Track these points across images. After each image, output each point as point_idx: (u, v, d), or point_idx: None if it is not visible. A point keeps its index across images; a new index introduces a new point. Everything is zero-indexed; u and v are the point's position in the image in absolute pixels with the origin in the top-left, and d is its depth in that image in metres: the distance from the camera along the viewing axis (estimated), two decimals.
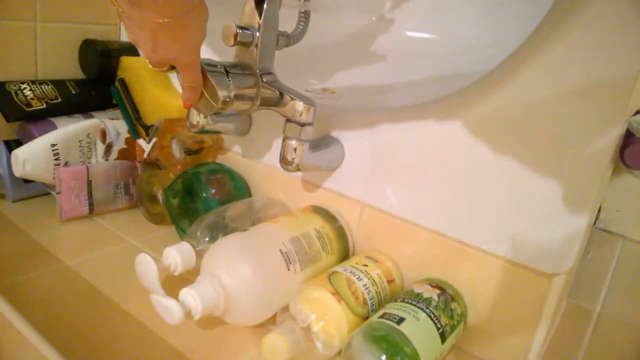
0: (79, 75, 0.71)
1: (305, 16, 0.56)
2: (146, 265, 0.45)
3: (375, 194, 0.53)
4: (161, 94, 0.66)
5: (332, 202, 0.56)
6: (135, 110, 0.67)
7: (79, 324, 0.45)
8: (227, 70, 0.46)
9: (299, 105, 0.47)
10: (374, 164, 0.52)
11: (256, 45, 0.48)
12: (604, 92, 0.38)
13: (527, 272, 0.44)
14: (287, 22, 0.53)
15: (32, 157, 0.58)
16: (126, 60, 0.68)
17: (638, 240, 0.84)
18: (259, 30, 0.48)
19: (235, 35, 0.47)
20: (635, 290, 0.71)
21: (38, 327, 0.42)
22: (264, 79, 0.48)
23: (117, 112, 0.70)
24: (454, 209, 0.47)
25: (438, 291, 0.46)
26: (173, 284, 0.44)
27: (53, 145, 0.60)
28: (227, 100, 0.46)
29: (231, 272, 0.43)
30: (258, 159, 0.62)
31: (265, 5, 0.47)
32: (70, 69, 0.70)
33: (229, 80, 0.46)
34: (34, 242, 0.57)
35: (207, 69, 0.45)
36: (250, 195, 0.63)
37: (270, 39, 0.49)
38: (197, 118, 0.53)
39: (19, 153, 0.58)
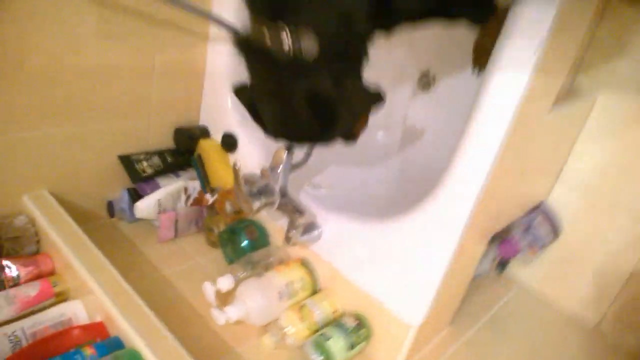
0: (172, 144, 1.13)
1: (308, 152, 0.95)
2: (208, 289, 0.88)
3: (336, 259, 0.94)
4: (221, 168, 1.07)
5: (312, 257, 0.97)
6: (205, 176, 1.09)
7: (168, 309, 0.89)
8: (259, 191, 0.87)
9: (296, 215, 0.88)
10: (333, 244, 0.93)
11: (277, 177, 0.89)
12: None
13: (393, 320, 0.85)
14: None
15: (145, 207, 1.02)
16: (202, 142, 1.10)
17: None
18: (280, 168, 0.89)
19: (267, 175, 0.87)
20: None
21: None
22: (281, 198, 0.89)
23: (194, 174, 1.12)
24: (369, 273, 0.89)
25: (356, 321, 0.88)
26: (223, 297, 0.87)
27: (159, 200, 1.03)
28: (258, 209, 0.87)
29: (252, 301, 0.86)
30: (275, 222, 1.04)
31: (284, 155, 0.87)
32: (169, 140, 1.12)
33: (261, 198, 0.87)
34: (142, 253, 1.01)
35: (247, 192, 0.86)
36: (269, 240, 1.05)
37: (286, 172, 0.89)
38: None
39: (139, 205, 1.01)
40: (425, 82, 1.20)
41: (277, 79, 0.66)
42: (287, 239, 0.90)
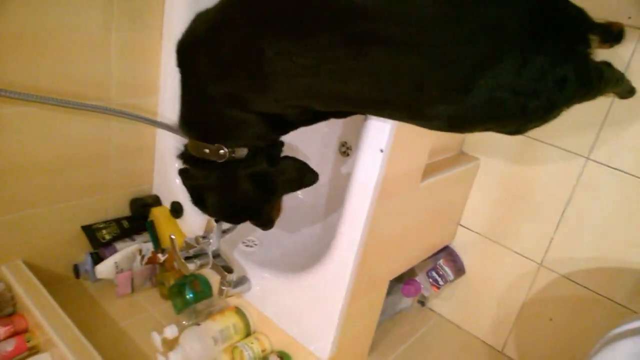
0: (128, 212, 1.33)
1: None
2: (155, 338, 1.07)
3: (264, 306, 1.13)
4: (170, 231, 1.27)
5: (245, 305, 1.16)
6: (157, 238, 1.29)
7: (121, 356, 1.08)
8: (194, 256, 1.07)
9: (226, 274, 1.07)
10: (261, 294, 1.13)
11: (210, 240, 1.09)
12: None
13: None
14: None
15: (104, 269, 1.21)
16: (154, 210, 1.30)
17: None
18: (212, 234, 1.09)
19: (199, 241, 1.08)
20: None
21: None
22: (214, 259, 1.09)
23: (148, 237, 1.31)
24: (289, 317, 1.08)
25: (279, 358, 1.07)
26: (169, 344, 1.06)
27: (116, 262, 1.22)
28: (193, 270, 1.07)
29: (190, 347, 1.05)
30: (214, 276, 1.23)
31: (215, 224, 1.07)
32: (125, 209, 1.32)
33: (195, 261, 1.06)
34: (103, 308, 1.20)
35: (183, 256, 1.05)
36: (211, 292, 1.24)
37: (217, 237, 1.10)
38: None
39: (99, 267, 1.20)
40: (344, 150, 1.42)
41: (218, 175, 0.87)
42: (220, 292, 1.10)
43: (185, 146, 0.90)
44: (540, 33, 0.65)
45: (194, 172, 0.90)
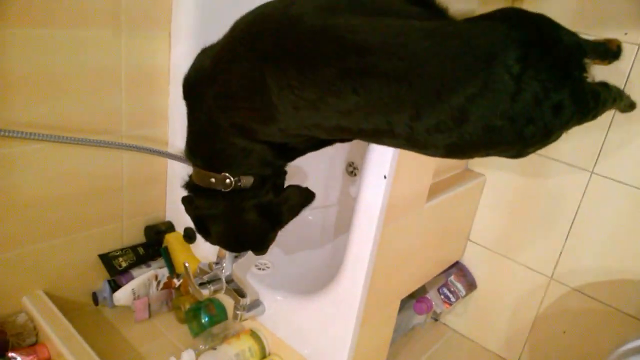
0: (143, 239, 1.37)
1: None
2: None
3: (277, 328, 1.15)
4: (184, 256, 1.30)
5: (260, 327, 1.19)
6: (172, 263, 1.32)
7: None
8: (208, 281, 1.10)
9: (241, 299, 1.10)
10: (274, 316, 1.15)
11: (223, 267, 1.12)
12: None
13: None
14: None
15: (122, 295, 1.24)
16: (168, 236, 1.33)
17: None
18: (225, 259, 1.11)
19: (212, 267, 1.10)
20: None
21: None
22: (227, 284, 1.12)
23: (163, 262, 1.34)
24: (302, 338, 1.10)
25: None
26: None
27: (133, 288, 1.25)
28: (207, 295, 1.09)
29: None
30: (229, 300, 1.26)
31: (227, 253, 1.10)
32: (140, 236, 1.36)
33: (209, 287, 1.09)
34: (121, 334, 1.23)
35: (197, 282, 1.08)
36: (226, 315, 1.26)
37: (230, 262, 1.12)
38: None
39: (116, 295, 1.24)
40: (351, 170, 1.44)
41: (223, 205, 0.90)
42: (235, 316, 1.12)
43: (190, 176, 0.94)
44: (533, 62, 0.67)
45: (199, 201, 0.93)
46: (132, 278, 1.28)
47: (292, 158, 0.96)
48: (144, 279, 1.29)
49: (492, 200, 1.33)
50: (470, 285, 1.36)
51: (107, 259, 1.27)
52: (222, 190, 0.88)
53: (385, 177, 0.88)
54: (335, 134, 0.79)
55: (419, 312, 1.25)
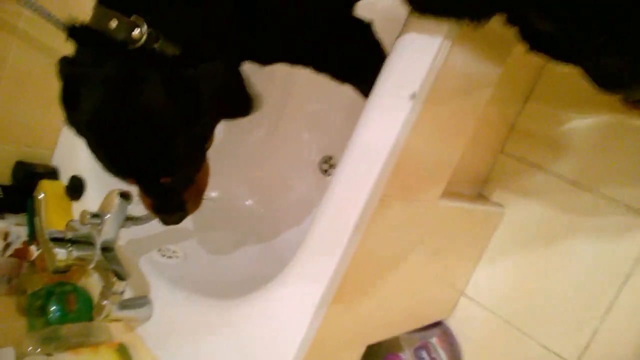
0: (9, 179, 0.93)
1: None
2: None
3: (163, 349, 0.71)
4: (58, 217, 0.86)
5: (136, 342, 0.74)
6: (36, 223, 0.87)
7: None
8: (72, 241, 0.67)
9: (114, 280, 0.67)
10: (165, 327, 0.72)
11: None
12: None
13: None
14: None
15: None
16: (43, 183, 0.90)
17: None
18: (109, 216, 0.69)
19: (86, 220, 0.68)
20: None
21: None
22: (103, 252, 0.69)
23: (24, 218, 0.90)
24: None
25: None
26: None
27: None
28: (63, 262, 0.66)
29: None
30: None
31: (115, 204, 0.69)
32: (5, 173, 0.92)
33: (70, 248, 0.66)
34: None
35: (50, 235, 0.65)
36: (91, 314, 0.81)
37: (116, 223, 0.70)
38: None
39: None
40: (326, 167, 1.07)
41: (115, 66, 0.50)
42: (98, 310, 0.68)
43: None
44: None
45: (82, 56, 0.53)
46: None
47: (263, 56, 0.60)
48: None
49: (506, 244, 0.97)
50: (455, 358, 0.96)
51: None
52: (123, 45, 0.49)
53: (413, 95, 0.51)
54: None
55: None
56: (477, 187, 0.98)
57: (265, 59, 0.64)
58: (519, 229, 0.95)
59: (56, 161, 0.96)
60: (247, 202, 1.07)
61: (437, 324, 0.99)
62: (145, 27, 0.48)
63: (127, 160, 0.54)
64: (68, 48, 0.53)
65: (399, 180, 0.56)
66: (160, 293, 0.74)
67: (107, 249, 0.70)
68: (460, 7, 0.49)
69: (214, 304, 0.68)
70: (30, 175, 0.90)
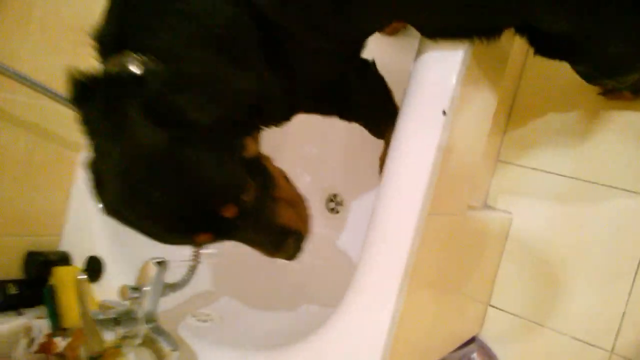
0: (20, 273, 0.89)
1: (192, 269, 0.76)
2: None
3: None
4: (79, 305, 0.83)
5: None
6: (57, 313, 0.84)
7: None
8: (116, 319, 0.65)
9: (167, 351, 0.65)
10: None
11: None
12: None
13: None
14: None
15: None
16: (58, 270, 0.87)
17: None
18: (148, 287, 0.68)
19: (127, 295, 0.66)
20: None
21: None
22: (147, 325, 0.67)
23: (43, 311, 0.87)
24: None
25: None
26: None
27: None
28: (112, 343, 0.64)
29: None
30: None
31: (153, 274, 0.68)
32: (16, 268, 0.89)
33: (116, 329, 0.64)
34: None
35: (96, 316, 0.63)
36: None
37: (156, 293, 0.69)
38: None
39: None
40: (333, 206, 1.09)
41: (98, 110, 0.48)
42: None
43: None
44: None
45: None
46: None
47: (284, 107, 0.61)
48: (8, 332, 0.80)
49: (520, 247, 1.00)
50: None
51: None
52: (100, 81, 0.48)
53: (444, 113, 0.54)
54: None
55: None
56: (482, 198, 1.01)
57: (287, 110, 0.63)
58: (529, 231, 0.99)
59: (65, 246, 0.93)
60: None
61: (471, 340, 0.99)
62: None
63: (180, 222, 0.52)
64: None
65: (438, 193, 0.59)
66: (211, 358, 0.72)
67: (150, 319, 0.68)
68: (469, 29, 0.54)
69: (270, 355, 0.67)
70: (43, 265, 0.88)
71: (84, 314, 0.64)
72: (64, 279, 0.86)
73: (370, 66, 0.72)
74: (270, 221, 0.55)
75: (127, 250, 0.87)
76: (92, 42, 0.51)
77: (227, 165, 0.50)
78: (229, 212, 0.51)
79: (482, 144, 0.69)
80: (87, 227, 0.90)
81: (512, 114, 1.02)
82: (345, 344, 0.60)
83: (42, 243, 0.91)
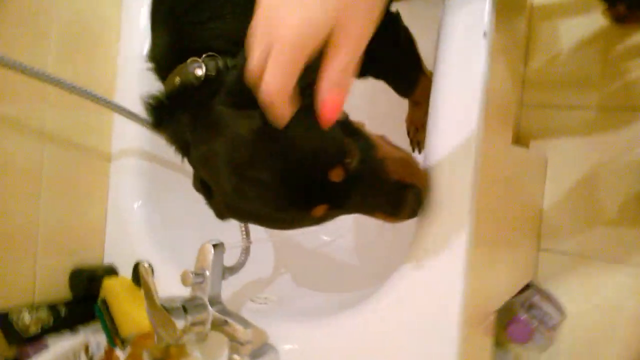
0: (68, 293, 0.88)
1: (246, 251, 0.75)
2: None
3: None
4: (134, 309, 0.82)
5: None
6: (112, 324, 0.82)
7: None
8: (184, 307, 0.63)
9: (239, 329, 0.64)
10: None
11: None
12: None
13: None
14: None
15: None
16: (107, 282, 0.85)
17: None
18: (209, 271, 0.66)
19: (190, 281, 0.65)
20: None
21: None
22: (213, 308, 0.66)
23: (98, 325, 0.85)
24: None
25: None
26: None
27: None
28: (182, 330, 0.62)
29: None
30: None
31: (212, 257, 0.66)
32: (61, 290, 0.87)
33: (186, 316, 0.62)
34: None
35: (166, 305, 0.62)
36: None
37: (217, 276, 0.67)
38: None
39: None
40: None
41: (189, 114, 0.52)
42: None
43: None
44: None
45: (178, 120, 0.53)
46: (46, 349, 0.77)
47: None
48: (66, 351, 0.78)
49: (559, 187, 0.99)
50: (561, 312, 0.95)
51: (5, 323, 0.77)
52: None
53: (485, 34, 0.54)
54: None
55: (516, 338, 0.81)
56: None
57: None
58: (566, 168, 0.98)
59: (109, 258, 0.92)
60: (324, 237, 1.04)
61: (528, 286, 0.98)
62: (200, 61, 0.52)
63: (293, 193, 0.49)
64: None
65: (489, 122, 0.58)
66: (275, 333, 0.70)
67: (215, 301, 0.66)
68: None
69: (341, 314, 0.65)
70: (91, 280, 0.86)
71: (152, 305, 0.62)
72: (115, 289, 0.85)
73: (396, 17, 0.72)
74: (383, 179, 0.53)
75: (173, 255, 0.86)
76: (149, 65, 0.57)
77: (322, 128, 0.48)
78: (338, 175, 0.50)
79: (519, 70, 0.69)
80: (128, 236, 0.89)
81: (527, 62, 1.01)
82: (425, 290, 0.59)
83: (87, 259, 0.90)
